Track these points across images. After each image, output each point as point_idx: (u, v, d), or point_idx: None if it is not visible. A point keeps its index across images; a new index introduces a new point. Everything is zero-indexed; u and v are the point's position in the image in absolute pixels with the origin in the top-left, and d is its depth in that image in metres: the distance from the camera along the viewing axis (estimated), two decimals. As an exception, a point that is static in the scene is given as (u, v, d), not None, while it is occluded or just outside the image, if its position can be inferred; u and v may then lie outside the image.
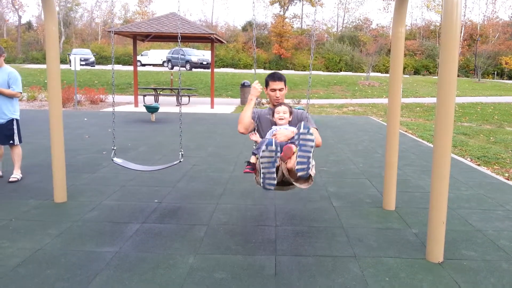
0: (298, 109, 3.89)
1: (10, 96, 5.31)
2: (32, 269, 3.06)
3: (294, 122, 3.64)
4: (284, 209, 4.53)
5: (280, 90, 3.68)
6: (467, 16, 54.06)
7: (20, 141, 5.49)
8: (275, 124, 3.65)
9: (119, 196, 4.84)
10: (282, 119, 3.57)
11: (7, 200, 4.60)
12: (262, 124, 3.78)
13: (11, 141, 5.39)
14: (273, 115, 3.64)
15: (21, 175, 5.45)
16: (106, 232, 3.79)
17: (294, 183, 3.37)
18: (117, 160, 4.47)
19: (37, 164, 6.26)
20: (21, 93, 5.43)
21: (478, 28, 51.20)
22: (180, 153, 4.57)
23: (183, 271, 3.09)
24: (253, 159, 3.53)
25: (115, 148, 4.59)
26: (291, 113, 3.64)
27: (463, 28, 47.89)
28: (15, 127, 5.41)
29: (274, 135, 3.49)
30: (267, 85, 3.75)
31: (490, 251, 3.55)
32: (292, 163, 3.22)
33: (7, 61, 38.83)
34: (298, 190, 5.15)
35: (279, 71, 3.86)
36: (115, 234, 3.75)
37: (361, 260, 3.33)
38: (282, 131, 3.48)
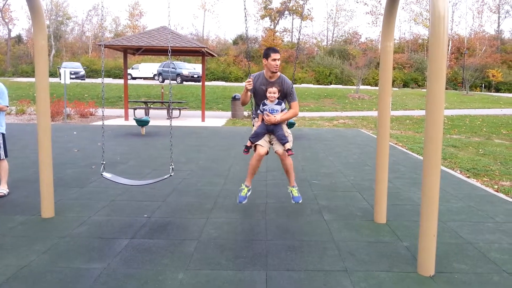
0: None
1: (-3, 110, 5.26)
2: (17, 287, 2.99)
3: (282, 93, 4.61)
4: (275, 223, 4.50)
5: (278, 59, 4.52)
6: (454, 30, 55.09)
7: (5, 155, 5.41)
8: (268, 92, 4.61)
9: (108, 211, 4.78)
10: (272, 98, 4.50)
11: (-7, 216, 4.51)
12: (258, 93, 4.66)
13: (-3, 156, 5.31)
14: (266, 90, 4.54)
15: (7, 190, 5.36)
16: (94, 248, 3.72)
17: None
18: (106, 174, 4.42)
19: (25, 179, 6.17)
20: (7, 106, 5.37)
21: (465, 42, 52.06)
22: (171, 167, 4.54)
23: (173, 287, 3.03)
24: (248, 143, 4.56)
25: (104, 162, 4.54)
26: (279, 91, 4.55)
27: (450, 42, 48.67)
28: (0, 141, 5.34)
29: (267, 116, 4.51)
30: (267, 56, 4.51)
31: (481, 263, 3.55)
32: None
33: (-4, 75, 38.61)
34: (288, 204, 5.17)
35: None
36: (103, 250, 3.68)
37: (352, 274, 3.31)
38: (270, 118, 4.48)
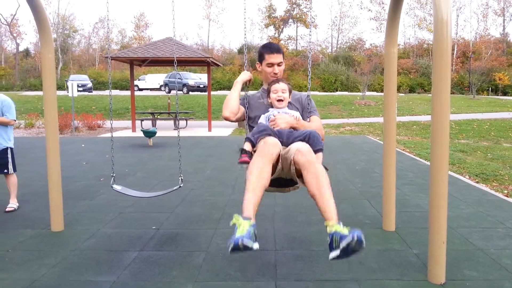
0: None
1: (4, 124, 5.31)
2: (28, 302, 3.01)
3: (293, 104, 3.11)
4: (283, 232, 4.49)
5: (278, 65, 3.08)
6: (459, 34, 54.97)
7: (14, 170, 5.46)
8: (271, 107, 3.07)
9: (116, 224, 4.80)
10: (282, 100, 2.93)
11: (4, 230, 4.55)
12: (253, 111, 3.15)
13: (5, 170, 5.36)
14: (268, 96, 3.05)
15: (17, 204, 5.40)
16: (103, 260, 3.74)
17: (298, 179, 2.77)
18: (117, 187, 4.44)
19: (34, 193, 6.22)
20: (15, 120, 5.43)
21: (471, 45, 51.89)
22: (180, 178, 4.56)
23: (182, 299, 3.03)
24: (247, 146, 2.91)
25: (114, 175, 4.57)
26: (290, 91, 3.05)
27: (455, 46, 48.52)
28: (9, 155, 5.38)
29: (272, 120, 2.94)
30: (261, 59, 3.12)
31: (493, 270, 3.51)
32: (300, 156, 2.63)
33: (5, 89, 39.10)
34: (296, 213, 5.15)
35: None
36: (113, 262, 3.70)
37: (362, 283, 3.29)
38: (282, 116, 2.87)
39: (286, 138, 2.83)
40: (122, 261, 3.71)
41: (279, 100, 2.96)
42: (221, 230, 4.55)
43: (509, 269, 3.52)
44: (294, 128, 2.95)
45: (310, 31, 3.75)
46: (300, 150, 2.61)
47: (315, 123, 3.11)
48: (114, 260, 3.75)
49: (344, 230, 2.40)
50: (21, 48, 54.59)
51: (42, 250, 3.99)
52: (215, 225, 4.74)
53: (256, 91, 3.43)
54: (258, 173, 2.57)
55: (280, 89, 2.97)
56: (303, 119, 3.12)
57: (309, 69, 3.50)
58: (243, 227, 2.32)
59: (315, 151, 2.74)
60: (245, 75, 3.18)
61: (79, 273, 3.47)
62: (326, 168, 2.72)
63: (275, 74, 3.08)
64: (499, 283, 3.27)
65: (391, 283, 3.28)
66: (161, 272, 3.50)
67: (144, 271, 3.51)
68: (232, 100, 3.10)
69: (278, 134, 2.84)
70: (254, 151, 2.81)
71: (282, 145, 2.77)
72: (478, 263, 3.65)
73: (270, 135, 2.78)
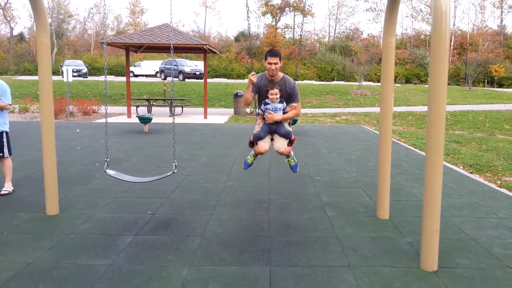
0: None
1: (0, 108, 5.28)
2: (23, 283, 3.02)
3: (284, 94, 4.58)
4: (278, 219, 4.52)
5: (275, 63, 4.47)
6: (456, 26, 54.84)
7: (10, 153, 5.44)
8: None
9: (112, 208, 4.81)
10: (274, 99, 4.50)
11: (-2, 214, 4.55)
12: (261, 94, 4.70)
13: (1, 154, 5.34)
14: (267, 91, 4.54)
15: (12, 188, 5.40)
16: (99, 244, 3.75)
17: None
18: (110, 171, 4.45)
19: (29, 177, 6.21)
20: (10, 104, 5.40)
21: (468, 37, 51.85)
22: (174, 164, 4.56)
23: (177, 283, 3.06)
24: (251, 139, 4.60)
25: (108, 159, 4.56)
26: (281, 91, 4.54)
27: (453, 37, 48.46)
28: (4, 139, 5.37)
29: (267, 117, 4.53)
30: (265, 59, 4.53)
31: (484, 259, 3.56)
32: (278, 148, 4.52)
33: (-1, 73, 38.71)
34: (291, 200, 5.18)
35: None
36: (108, 246, 3.71)
37: (355, 269, 3.33)
38: (272, 115, 4.49)
39: (275, 126, 4.53)
40: (117, 245, 3.73)
41: (272, 98, 4.50)
42: (216, 216, 4.57)
43: (500, 258, 3.57)
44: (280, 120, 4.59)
45: (302, 22, 3.77)
46: (280, 151, 4.52)
47: (294, 111, 4.59)
48: (110, 244, 3.77)
49: (291, 161, 4.74)
50: (15, 33, 53.97)
51: (37, 233, 4.00)
52: (210, 211, 4.76)
53: (262, 73, 4.68)
54: (256, 154, 4.60)
55: (274, 93, 4.48)
56: (288, 101, 4.59)
57: (297, 63, 4.70)
58: (251, 159, 4.64)
59: (288, 139, 4.55)
60: (251, 81, 4.44)
61: (75, 257, 3.49)
62: (292, 139, 4.56)
63: (272, 69, 4.47)
64: (490, 271, 3.32)
65: (384, 270, 3.32)
66: (157, 256, 3.52)
67: (140, 255, 3.53)
68: (248, 98, 4.66)
69: (270, 127, 4.53)
70: (256, 143, 4.53)
71: (271, 130, 4.53)
72: (470, 252, 3.70)
73: (263, 138, 4.52)
